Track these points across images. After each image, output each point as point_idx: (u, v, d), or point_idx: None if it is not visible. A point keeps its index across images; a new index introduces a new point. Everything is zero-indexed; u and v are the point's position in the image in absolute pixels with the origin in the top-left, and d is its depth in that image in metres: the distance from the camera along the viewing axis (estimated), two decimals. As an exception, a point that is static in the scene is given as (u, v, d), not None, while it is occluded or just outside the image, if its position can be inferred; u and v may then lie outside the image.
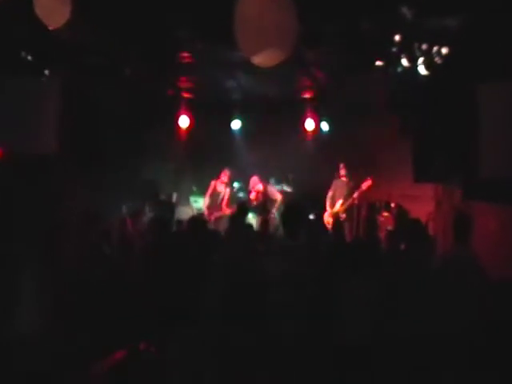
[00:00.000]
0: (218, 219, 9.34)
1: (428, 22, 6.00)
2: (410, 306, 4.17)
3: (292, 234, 4.38)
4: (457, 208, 6.82)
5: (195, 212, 9.76)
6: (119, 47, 6.98)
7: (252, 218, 9.17)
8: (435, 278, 4.45)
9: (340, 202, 9.13)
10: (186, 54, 7.42)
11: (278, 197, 9.60)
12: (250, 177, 9.75)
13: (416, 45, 6.44)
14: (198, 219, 5.99)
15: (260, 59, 4.22)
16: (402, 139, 8.55)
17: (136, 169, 9.74)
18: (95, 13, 5.65)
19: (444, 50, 6.36)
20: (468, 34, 6.01)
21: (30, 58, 6.61)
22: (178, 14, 5.96)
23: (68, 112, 6.86)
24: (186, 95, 9.99)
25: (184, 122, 10.20)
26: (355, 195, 9.02)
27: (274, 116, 9.89)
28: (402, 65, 6.70)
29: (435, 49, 6.41)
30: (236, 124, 10.61)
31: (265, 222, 7.82)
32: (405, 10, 5.62)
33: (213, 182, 9.65)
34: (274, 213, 9.42)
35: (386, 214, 8.89)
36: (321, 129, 10.30)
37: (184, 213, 9.68)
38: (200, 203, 9.99)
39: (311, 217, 8.61)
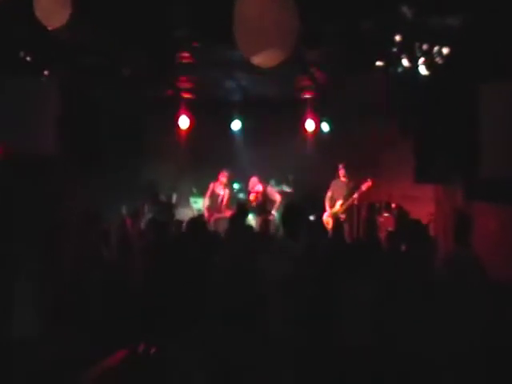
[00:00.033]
0: (217, 220, 9.32)
1: (429, 22, 5.98)
2: (411, 307, 4.17)
3: (292, 235, 4.38)
4: (457, 208, 6.81)
5: (195, 213, 9.74)
6: (119, 47, 6.97)
7: (251, 219, 9.16)
8: (436, 279, 4.45)
9: (340, 202, 9.12)
10: (185, 54, 7.40)
11: (278, 198, 9.58)
12: (250, 177, 9.74)
13: (417, 45, 6.42)
14: (197, 220, 5.98)
15: (260, 59, 4.20)
16: (403, 139, 8.55)
17: (136, 169, 9.73)
18: (94, 13, 5.64)
19: (445, 50, 6.34)
20: (469, 34, 6.00)
21: (29, 58, 6.60)
22: (178, 14, 5.95)
23: (67, 112, 6.84)
24: (185, 95, 9.98)
25: (184, 122, 10.17)
26: (355, 196, 9.01)
27: (274, 116, 9.87)
28: (402, 65, 6.68)
29: (436, 49, 6.39)
30: (236, 124, 10.59)
31: (265, 223, 7.81)
32: (405, 10, 5.60)
33: (211, 185, 9.63)
34: (274, 214, 9.41)
35: (386, 214, 8.89)
36: (321, 129, 10.29)
37: (184, 214, 9.66)
38: (200, 204, 9.98)
39: (311, 217, 8.60)
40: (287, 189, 10.00)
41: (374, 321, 4.12)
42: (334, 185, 9.34)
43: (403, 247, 5.19)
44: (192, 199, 10.22)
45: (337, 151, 9.62)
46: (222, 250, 5.00)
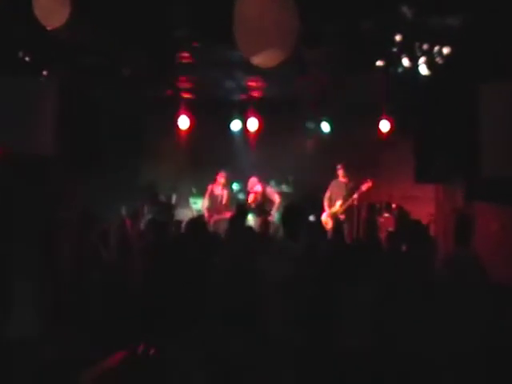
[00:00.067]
0: (217, 221, 9.30)
1: (429, 22, 5.98)
2: (411, 307, 4.16)
3: (292, 235, 4.37)
4: (458, 209, 6.81)
5: (195, 213, 9.72)
6: (119, 47, 6.96)
7: (251, 220, 9.14)
8: (436, 279, 4.44)
9: (339, 202, 9.11)
10: (185, 54, 7.40)
11: (277, 198, 9.54)
12: (249, 178, 9.72)
13: (417, 45, 6.42)
14: (197, 221, 5.97)
15: (260, 59, 4.20)
16: (403, 139, 8.55)
17: (136, 169, 9.73)
18: (94, 12, 5.63)
19: (445, 50, 6.34)
20: (469, 34, 5.99)
21: (28, 58, 6.59)
22: (178, 14, 5.95)
23: (67, 112, 6.84)
24: (185, 95, 9.96)
25: (184, 122, 10.15)
26: (355, 196, 9.00)
27: (274, 116, 9.86)
28: (402, 65, 6.68)
29: (436, 49, 6.39)
30: (236, 125, 10.58)
31: (265, 224, 7.79)
32: (405, 10, 5.60)
33: (210, 186, 9.60)
34: (273, 214, 9.38)
35: (386, 214, 8.88)
36: (321, 129, 10.29)
37: (183, 214, 9.65)
38: (199, 205, 9.96)
39: (311, 218, 8.59)
40: (287, 189, 9.98)
41: (374, 321, 4.11)
42: (333, 185, 9.33)
43: (403, 247, 5.18)
44: (192, 200, 10.19)
45: (337, 151, 9.61)
46: (221, 251, 4.99)
